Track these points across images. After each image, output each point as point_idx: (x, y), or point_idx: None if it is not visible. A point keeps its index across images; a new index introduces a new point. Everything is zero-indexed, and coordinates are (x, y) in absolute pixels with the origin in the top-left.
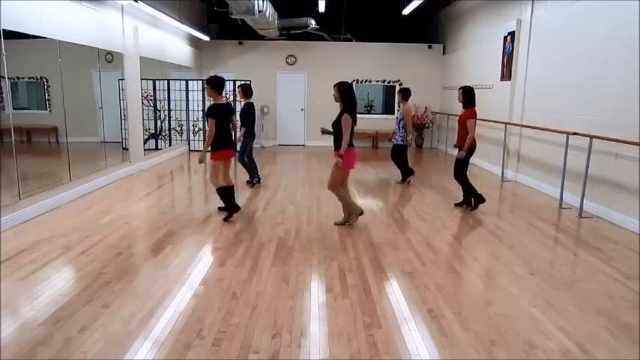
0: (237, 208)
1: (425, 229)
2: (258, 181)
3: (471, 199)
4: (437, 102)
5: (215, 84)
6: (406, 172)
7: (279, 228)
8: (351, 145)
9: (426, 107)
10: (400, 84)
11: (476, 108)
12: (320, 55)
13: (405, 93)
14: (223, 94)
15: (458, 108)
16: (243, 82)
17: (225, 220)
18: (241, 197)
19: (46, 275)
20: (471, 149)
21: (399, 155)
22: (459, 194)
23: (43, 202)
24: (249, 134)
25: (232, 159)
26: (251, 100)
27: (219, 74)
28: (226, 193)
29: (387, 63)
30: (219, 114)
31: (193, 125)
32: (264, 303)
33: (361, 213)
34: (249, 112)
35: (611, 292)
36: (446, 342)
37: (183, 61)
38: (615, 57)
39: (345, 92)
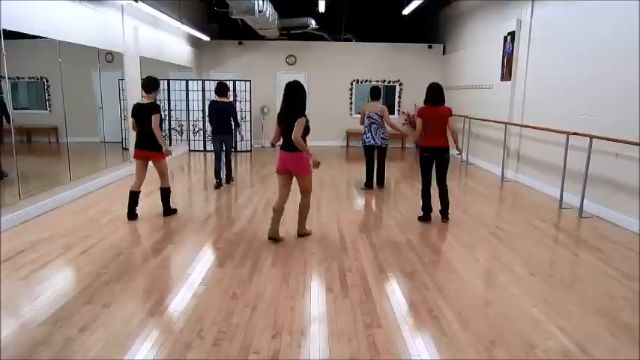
0: (131, 217)
1: (425, 229)
2: (217, 185)
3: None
4: None
5: (142, 83)
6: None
7: (279, 228)
8: (281, 145)
9: None
10: (400, 84)
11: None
12: (320, 55)
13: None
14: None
15: (458, 108)
16: (219, 81)
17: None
18: (241, 197)
19: (46, 275)
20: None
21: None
22: (458, 194)
23: (43, 202)
24: (213, 133)
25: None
26: (219, 99)
27: (219, 74)
28: (130, 197)
29: (387, 63)
30: (133, 112)
31: (193, 125)
32: (264, 303)
33: (270, 237)
34: (208, 110)
35: (611, 292)
36: (446, 342)
37: (183, 61)
38: (615, 57)
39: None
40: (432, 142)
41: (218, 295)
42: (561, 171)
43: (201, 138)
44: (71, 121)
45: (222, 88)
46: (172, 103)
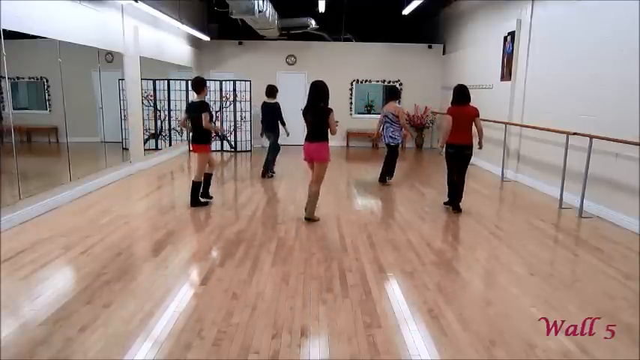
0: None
1: (425, 229)
2: (264, 175)
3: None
4: (437, 102)
5: (191, 86)
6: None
7: (279, 228)
8: (305, 137)
9: (425, 107)
10: (400, 84)
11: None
12: (320, 55)
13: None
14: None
15: None
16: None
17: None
18: (242, 197)
19: (46, 275)
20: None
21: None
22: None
23: (43, 202)
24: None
25: (197, 154)
26: (267, 100)
27: (219, 74)
28: (204, 179)
29: (387, 63)
30: (186, 110)
31: None
32: (264, 303)
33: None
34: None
35: (611, 292)
36: (446, 342)
37: (183, 61)
38: (615, 57)
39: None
40: (457, 140)
41: (218, 295)
42: (561, 171)
43: None
44: (71, 121)
45: (267, 90)
46: (172, 103)
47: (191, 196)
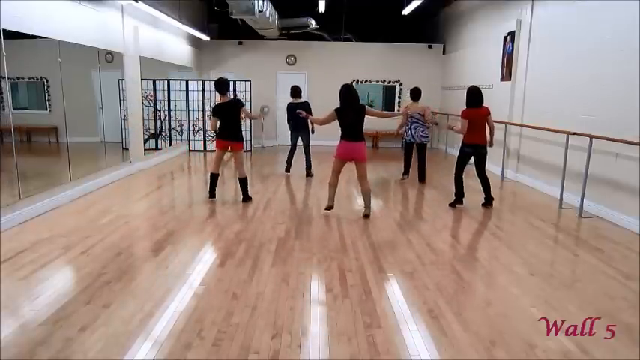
0: (212, 196)
1: (425, 229)
2: (287, 170)
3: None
4: (437, 102)
5: (215, 87)
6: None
7: (279, 228)
8: (342, 137)
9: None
10: (400, 84)
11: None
12: (320, 55)
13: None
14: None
15: (458, 108)
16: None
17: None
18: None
19: (46, 275)
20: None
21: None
22: None
23: (43, 202)
24: (290, 130)
25: (232, 152)
26: (293, 100)
27: (218, 74)
28: (210, 179)
29: (387, 63)
30: (216, 112)
31: (193, 125)
32: (264, 303)
33: (328, 208)
34: (286, 111)
35: (611, 292)
36: (446, 342)
37: (183, 61)
38: (615, 57)
39: (340, 93)
40: (474, 140)
41: (218, 295)
42: (561, 171)
43: (201, 138)
44: (71, 121)
45: (292, 91)
46: (172, 103)
47: (242, 191)
